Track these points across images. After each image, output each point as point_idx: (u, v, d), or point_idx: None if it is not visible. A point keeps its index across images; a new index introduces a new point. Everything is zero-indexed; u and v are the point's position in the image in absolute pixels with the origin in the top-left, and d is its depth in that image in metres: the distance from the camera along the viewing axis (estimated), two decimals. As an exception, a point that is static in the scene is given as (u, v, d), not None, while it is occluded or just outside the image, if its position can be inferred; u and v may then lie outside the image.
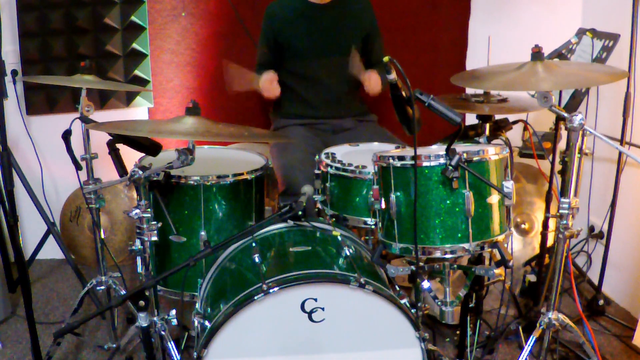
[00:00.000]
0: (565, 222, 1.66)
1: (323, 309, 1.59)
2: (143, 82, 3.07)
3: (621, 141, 2.39)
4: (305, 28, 2.64)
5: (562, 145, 2.12)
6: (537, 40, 1.75)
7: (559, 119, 2.12)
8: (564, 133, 2.01)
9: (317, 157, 2.14)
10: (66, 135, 1.93)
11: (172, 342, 1.73)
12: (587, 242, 2.86)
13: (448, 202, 1.60)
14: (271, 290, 1.55)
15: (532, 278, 2.57)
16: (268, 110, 2.91)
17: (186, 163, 1.60)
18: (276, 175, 2.46)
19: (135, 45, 3.01)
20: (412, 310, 1.66)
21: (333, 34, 2.66)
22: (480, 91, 2.20)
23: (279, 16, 2.65)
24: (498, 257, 1.65)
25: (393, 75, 1.62)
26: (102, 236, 2.19)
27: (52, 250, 2.83)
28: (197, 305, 1.81)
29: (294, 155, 2.44)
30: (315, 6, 2.63)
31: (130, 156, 1.80)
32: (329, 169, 2.02)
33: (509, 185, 1.65)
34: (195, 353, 1.58)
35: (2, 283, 2.57)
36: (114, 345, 2.21)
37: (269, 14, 2.68)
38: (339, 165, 1.99)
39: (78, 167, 1.99)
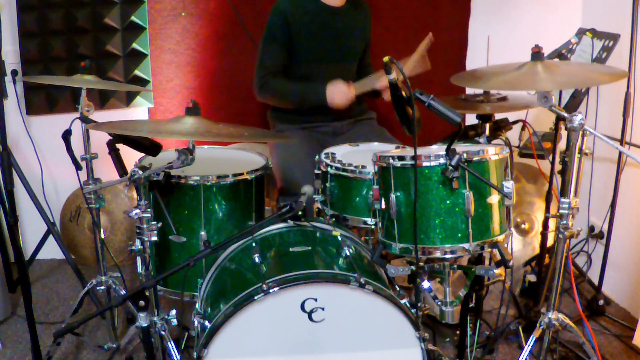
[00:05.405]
0: (565, 222, 1.66)
1: (323, 309, 1.59)
2: (143, 82, 3.07)
3: (621, 141, 2.39)
4: (318, 31, 2.54)
5: (562, 145, 2.13)
6: (537, 40, 1.75)
7: (559, 119, 2.12)
8: (564, 133, 2.01)
9: (317, 157, 2.14)
10: (66, 135, 1.93)
11: (172, 342, 1.73)
12: (587, 242, 2.86)
13: (448, 202, 1.60)
14: (271, 290, 1.55)
15: (532, 278, 2.57)
16: (267, 111, 2.90)
17: (186, 163, 1.60)
18: (275, 175, 2.45)
19: (135, 45, 3.01)
20: (412, 310, 1.66)
21: (343, 39, 2.60)
22: (480, 90, 2.20)
23: (292, 14, 2.50)
24: (498, 257, 1.65)
25: (393, 75, 1.62)
26: (102, 236, 2.19)
27: (52, 250, 2.83)
28: (197, 305, 1.81)
29: (293, 156, 2.44)
30: (328, 9, 2.56)
31: (130, 156, 1.80)
32: (328, 169, 2.02)
33: (509, 185, 1.65)
34: (195, 353, 1.58)
35: (2, 283, 2.57)
36: (114, 345, 2.21)
37: (281, 10, 2.50)
38: (338, 165, 1.99)
39: (78, 167, 1.99)
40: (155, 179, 1.91)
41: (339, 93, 2.46)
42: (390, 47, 3.14)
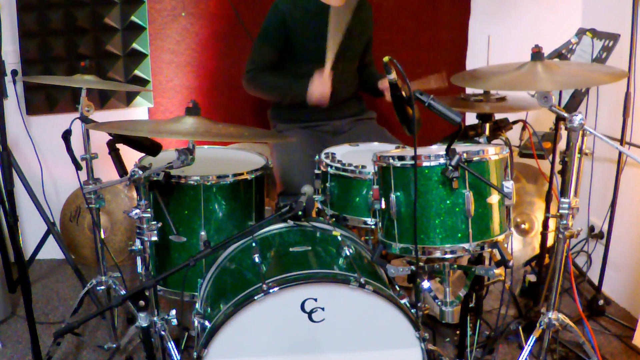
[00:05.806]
0: (565, 222, 1.66)
1: (323, 309, 1.59)
2: (143, 82, 3.07)
3: (621, 141, 2.39)
4: (317, 30, 2.50)
5: (562, 145, 2.13)
6: (537, 40, 1.75)
7: (559, 119, 2.12)
8: (564, 133, 2.01)
9: (317, 157, 2.13)
10: (66, 135, 1.93)
11: (172, 342, 1.73)
12: (587, 242, 2.86)
13: (448, 202, 1.60)
14: (271, 290, 1.55)
15: (532, 278, 2.57)
16: (267, 111, 2.90)
17: (186, 163, 1.60)
18: (275, 175, 2.45)
19: (135, 45, 3.01)
20: (412, 310, 1.66)
21: (343, 39, 2.55)
22: (480, 90, 2.20)
23: (291, 13, 2.50)
24: (498, 257, 1.65)
25: (393, 75, 1.62)
26: (102, 236, 2.19)
27: (52, 250, 2.83)
28: (197, 305, 1.81)
29: (293, 155, 2.43)
30: (328, 8, 2.52)
31: (130, 156, 1.80)
32: (328, 169, 2.02)
33: (509, 185, 1.65)
34: (195, 353, 1.58)
35: (2, 283, 2.57)
36: (114, 345, 2.21)
37: (280, 9, 2.51)
38: (338, 165, 1.99)
39: (78, 167, 1.99)
40: (155, 179, 1.91)
41: (317, 85, 2.43)
42: (390, 47, 3.14)
